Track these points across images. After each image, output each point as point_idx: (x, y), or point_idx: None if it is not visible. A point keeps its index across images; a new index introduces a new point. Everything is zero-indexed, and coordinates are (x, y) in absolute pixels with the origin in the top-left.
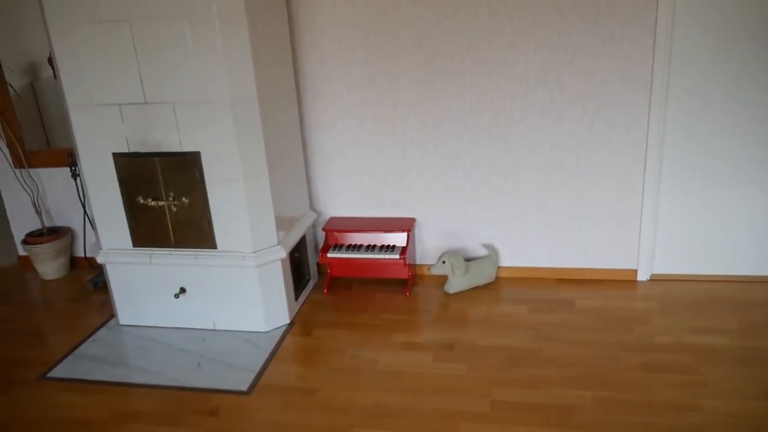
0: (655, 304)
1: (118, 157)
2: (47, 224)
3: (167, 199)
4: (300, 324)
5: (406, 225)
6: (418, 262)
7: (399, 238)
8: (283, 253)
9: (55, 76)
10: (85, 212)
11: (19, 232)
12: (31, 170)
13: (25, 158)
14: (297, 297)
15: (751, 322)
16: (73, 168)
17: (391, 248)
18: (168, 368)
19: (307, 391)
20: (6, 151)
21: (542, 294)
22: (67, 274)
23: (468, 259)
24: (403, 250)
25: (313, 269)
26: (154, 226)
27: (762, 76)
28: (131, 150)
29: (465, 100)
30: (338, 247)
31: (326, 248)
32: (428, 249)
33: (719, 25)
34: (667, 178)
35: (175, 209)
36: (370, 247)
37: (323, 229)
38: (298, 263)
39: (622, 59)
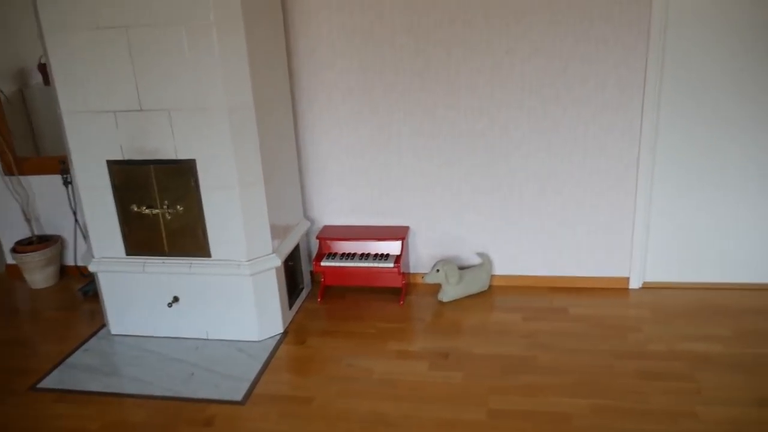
0: (648, 312)
1: (112, 164)
2: (37, 232)
3: (162, 207)
4: (294, 333)
5: (400, 233)
6: (411, 271)
7: (393, 247)
8: (277, 262)
9: (45, 82)
10: (76, 220)
11: (8, 240)
12: (21, 177)
13: (15, 165)
14: (291, 306)
15: (743, 329)
16: (65, 175)
17: (385, 257)
18: (161, 378)
19: (303, 400)
20: None
21: (536, 302)
22: (57, 282)
23: (462, 268)
24: (398, 258)
25: (306, 278)
26: (148, 234)
27: (753, 82)
28: (126, 157)
29: (460, 108)
30: (332, 255)
31: (320, 257)
32: (422, 257)
33: (711, 31)
34: (659, 185)
35: (169, 217)
36: (364, 256)
37: (317, 238)
38: (292, 272)
39: (616, 65)
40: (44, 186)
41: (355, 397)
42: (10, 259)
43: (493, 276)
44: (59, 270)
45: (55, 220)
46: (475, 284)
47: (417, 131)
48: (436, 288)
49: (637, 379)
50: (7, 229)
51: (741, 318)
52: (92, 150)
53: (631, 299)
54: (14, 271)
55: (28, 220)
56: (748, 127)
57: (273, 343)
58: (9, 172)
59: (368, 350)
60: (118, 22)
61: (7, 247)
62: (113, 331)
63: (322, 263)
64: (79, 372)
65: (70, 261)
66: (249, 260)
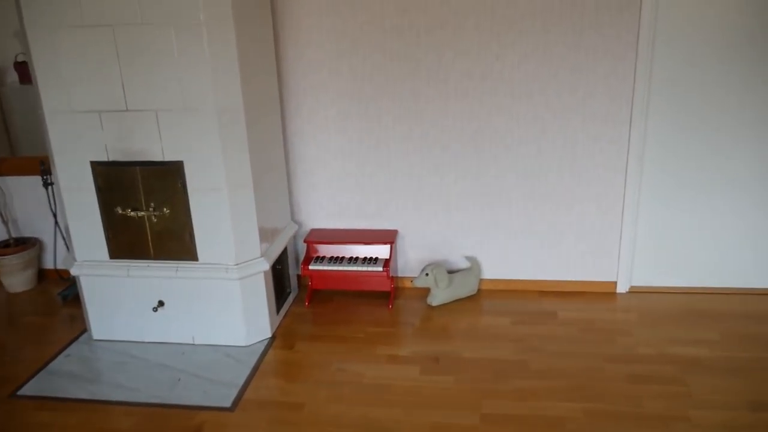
0: (636, 316)
1: (96, 165)
2: (14, 235)
3: (147, 210)
4: (282, 337)
5: (388, 237)
6: (399, 275)
7: (381, 250)
8: (266, 266)
9: (21, 81)
10: (56, 222)
11: None
12: None
13: None
14: (278, 310)
15: (731, 333)
16: (45, 176)
17: (373, 260)
18: (147, 384)
19: (293, 406)
20: None
21: (525, 306)
22: (35, 286)
23: (450, 272)
24: (386, 262)
25: (293, 281)
26: (133, 237)
27: (740, 91)
28: (111, 158)
29: (449, 112)
30: (320, 259)
31: (308, 260)
32: (410, 261)
33: (699, 43)
34: (646, 191)
35: (155, 220)
36: (353, 260)
37: (305, 241)
38: (279, 275)
39: (606, 74)
40: (22, 187)
41: (347, 403)
42: None
43: (481, 280)
44: (37, 273)
45: (33, 222)
46: (464, 288)
47: (406, 135)
48: (425, 292)
49: (629, 382)
50: None
51: (727, 322)
52: (76, 151)
53: (619, 303)
54: None
55: (5, 222)
56: (735, 135)
57: (261, 348)
58: None
59: (358, 355)
60: (105, 20)
61: None
62: (95, 337)
63: (310, 267)
64: (60, 379)
65: (48, 264)
66: (237, 264)
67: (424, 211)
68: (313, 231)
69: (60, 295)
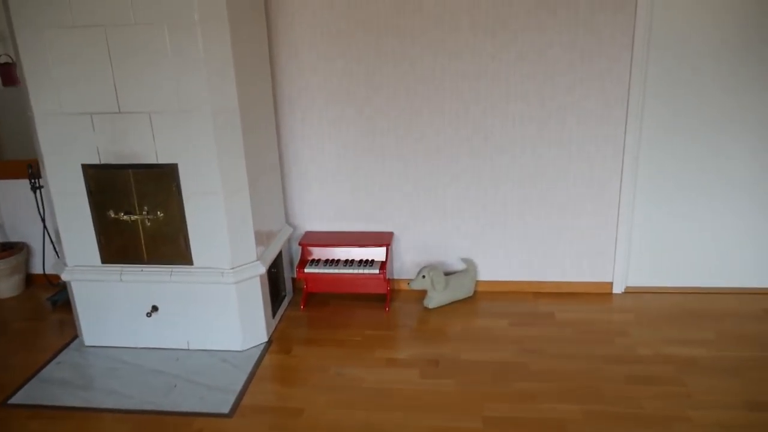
0: (632, 316)
1: (87, 168)
2: (0, 239)
3: (141, 213)
4: (278, 342)
5: (384, 239)
6: (395, 277)
7: (377, 253)
8: (262, 269)
9: (4, 83)
10: (44, 227)
11: None
12: None
13: None
14: (274, 314)
15: (726, 333)
16: (33, 180)
17: (369, 263)
18: (141, 391)
19: (293, 411)
20: None
21: (521, 307)
22: (23, 292)
23: (446, 274)
24: (383, 264)
25: (288, 285)
26: (126, 241)
27: (734, 92)
28: (103, 161)
29: (445, 113)
30: (315, 262)
31: (303, 263)
32: (405, 263)
33: (693, 44)
34: (641, 192)
35: (149, 223)
36: (348, 262)
37: (300, 244)
38: (274, 279)
39: (601, 75)
40: (8, 191)
41: (347, 408)
42: None
43: (477, 281)
44: (25, 279)
45: (20, 227)
46: (460, 290)
47: (401, 136)
48: (420, 294)
49: (628, 383)
50: None
51: (723, 322)
52: (66, 154)
53: (615, 304)
54: None
55: None
56: (729, 136)
57: (257, 352)
58: None
59: (356, 359)
60: (96, 20)
61: None
62: (87, 343)
63: (306, 270)
64: (52, 386)
65: (36, 269)
66: (233, 268)
67: (420, 213)
68: (308, 233)
69: (49, 301)
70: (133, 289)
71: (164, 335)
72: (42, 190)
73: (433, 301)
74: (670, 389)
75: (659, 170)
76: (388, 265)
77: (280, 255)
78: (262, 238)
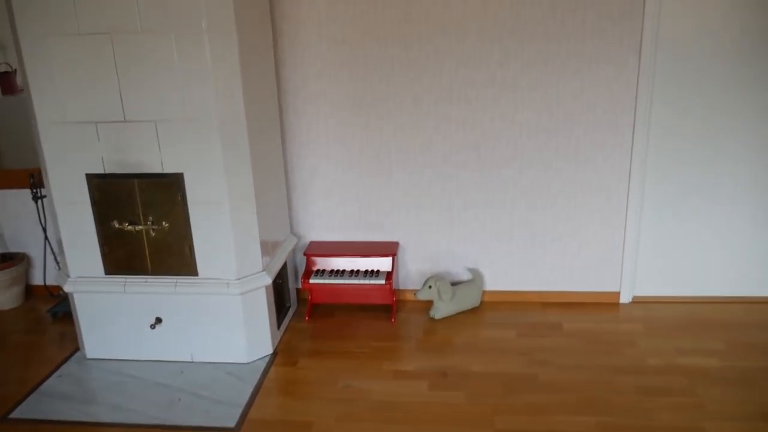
0: (641, 326)
1: (92, 178)
2: (0, 250)
3: (146, 223)
4: (284, 354)
5: (390, 249)
6: (401, 287)
7: (382, 263)
8: (268, 280)
9: (3, 92)
10: (46, 237)
11: None
12: None
13: None
14: (279, 326)
15: (736, 342)
16: (35, 190)
17: (375, 273)
18: (145, 405)
19: (301, 425)
20: None
21: (529, 318)
22: (23, 303)
23: (453, 284)
24: (389, 275)
25: (292, 296)
26: (130, 251)
27: (743, 97)
28: (107, 171)
29: (452, 121)
30: (320, 272)
31: (308, 273)
32: (411, 273)
33: (701, 48)
34: (649, 200)
35: (153, 234)
36: (354, 273)
37: (305, 254)
38: (279, 290)
39: (608, 81)
40: (8, 200)
41: (357, 421)
42: None
43: (484, 292)
44: (25, 290)
45: (20, 237)
46: (466, 300)
47: (407, 144)
48: (426, 305)
49: (640, 395)
50: None
51: (732, 331)
52: (70, 163)
53: (623, 314)
54: None
55: None
56: (739, 142)
57: (263, 364)
58: None
59: (364, 371)
60: (102, 28)
61: None
62: (89, 355)
63: (311, 280)
64: (54, 400)
65: (36, 280)
66: (239, 279)
67: (425, 223)
68: (313, 243)
69: (49, 312)
70: (136, 301)
71: (168, 348)
72: (44, 199)
73: (439, 311)
74: (683, 400)
75: (667, 178)
76: (393, 275)
77: (284, 265)
78: (267, 249)
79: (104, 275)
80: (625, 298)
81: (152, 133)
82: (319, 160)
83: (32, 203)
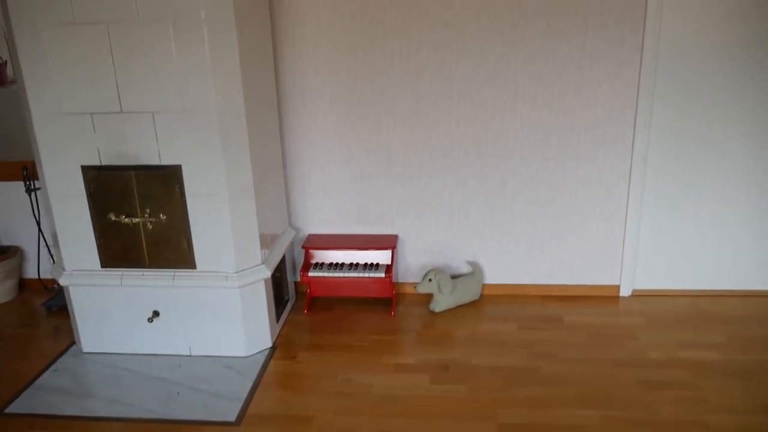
0: (641, 320)
1: (87, 170)
2: None
3: (143, 216)
4: (283, 347)
5: (389, 242)
6: (400, 280)
7: (381, 256)
8: (267, 273)
9: None
10: (40, 230)
11: None
12: None
13: None
14: (278, 319)
15: (737, 336)
16: (28, 182)
17: (374, 266)
18: (143, 399)
19: (302, 419)
20: None
21: (529, 311)
22: (16, 297)
23: (452, 277)
24: (389, 268)
25: (291, 289)
26: (127, 244)
27: (745, 95)
28: (103, 162)
29: (452, 114)
30: (319, 265)
31: (306, 267)
32: (410, 266)
33: (702, 47)
34: (649, 195)
35: (151, 226)
36: (353, 266)
37: (303, 247)
38: (278, 283)
39: (610, 76)
40: (0, 193)
41: (357, 415)
42: None
43: (484, 285)
44: (18, 284)
45: (12, 230)
46: (466, 294)
47: (407, 138)
48: (425, 298)
49: (642, 388)
50: None
51: (732, 324)
52: (65, 155)
53: (623, 307)
54: None
55: None
56: (739, 139)
57: (262, 358)
58: None
59: (364, 364)
60: (98, 17)
61: None
62: (85, 349)
63: (310, 274)
64: (50, 395)
65: (30, 274)
66: (237, 272)
67: (425, 216)
68: (311, 236)
69: (44, 306)
70: (133, 294)
71: (166, 341)
72: (38, 192)
73: (439, 304)
74: (686, 393)
75: (667, 173)
76: (393, 268)
77: (283, 259)
78: (266, 241)
79: (101, 268)
80: (625, 292)
81: (150, 125)
82: (318, 153)
83: (25, 196)
